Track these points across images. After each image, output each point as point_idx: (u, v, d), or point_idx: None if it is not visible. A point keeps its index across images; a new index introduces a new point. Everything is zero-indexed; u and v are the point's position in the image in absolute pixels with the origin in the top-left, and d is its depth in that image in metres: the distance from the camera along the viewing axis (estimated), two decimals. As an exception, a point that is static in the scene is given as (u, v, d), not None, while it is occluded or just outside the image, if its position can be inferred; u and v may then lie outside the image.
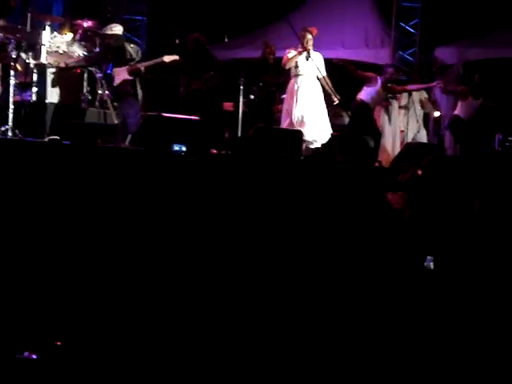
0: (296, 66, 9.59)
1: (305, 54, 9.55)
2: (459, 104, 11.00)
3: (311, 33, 9.60)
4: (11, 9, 7.07)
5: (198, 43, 9.84)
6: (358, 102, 10.37)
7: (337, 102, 9.76)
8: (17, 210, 6.22)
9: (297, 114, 9.55)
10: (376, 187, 6.96)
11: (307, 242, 6.40)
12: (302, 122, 9.52)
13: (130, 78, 9.52)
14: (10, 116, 8.45)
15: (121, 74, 9.49)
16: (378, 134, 10.18)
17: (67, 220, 6.27)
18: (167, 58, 9.60)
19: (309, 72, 9.64)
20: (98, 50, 10.03)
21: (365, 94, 10.43)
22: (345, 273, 5.99)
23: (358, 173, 6.95)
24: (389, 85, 10.54)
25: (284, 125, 9.67)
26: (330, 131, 9.67)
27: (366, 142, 8.65)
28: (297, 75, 9.65)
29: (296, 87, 9.63)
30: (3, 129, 8.41)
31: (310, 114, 9.55)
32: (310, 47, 9.53)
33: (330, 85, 9.68)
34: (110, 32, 9.74)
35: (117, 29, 9.83)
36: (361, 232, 6.39)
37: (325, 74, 9.73)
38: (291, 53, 9.63)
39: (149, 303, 5.46)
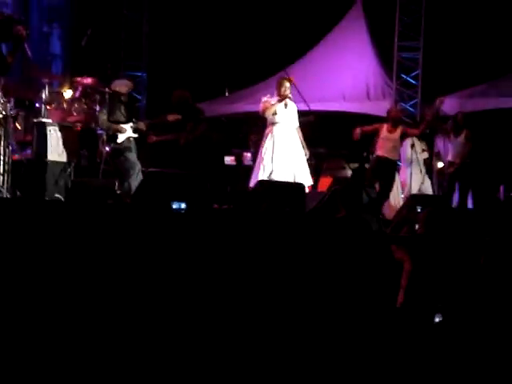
0: (274, 114, 9.49)
1: (283, 102, 9.48)
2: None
3: (289, 81, 9.58)
4: (8, 66, 7.05)
5: (180, 98, 10.02)
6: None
7: (307, 155, 9.66)
8: (18, 269, 6.16)
9: (274, 161, 9.42)
10: (380, 240, 6.88)
11: (313, 297, 6.30)
12: (278, 171, 9.38)
13: (135, 135, 9.49)
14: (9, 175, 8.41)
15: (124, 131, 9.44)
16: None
17: (68, 278, 6.21)
18: (171, 117, 9.69)
19: (286, 120, 9.55)
20: (97, 107, 10.04)
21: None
22: (349, 330, 5.89)
23: (362, 226, 6.84)
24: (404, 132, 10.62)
25: (257, 172, 9.51)
26: (310, 181, 9.54)
27: (370, 195, 8.57)
28: (274, 123, 9.53)
29: (272, 135, 9.50)
30: (2, 189, 8.34)
31: (286, 163, 9.43)
32: (290, 95, 9.49)
33: (302, 137, 9.61)
34: (117, 89, 9.68)
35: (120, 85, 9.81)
36: (365, 285, 6.28)
37: (297, 125, 9.64)
38: (269, 101, 9.53)
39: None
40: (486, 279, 6.45)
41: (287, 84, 9.53)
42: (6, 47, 7.21)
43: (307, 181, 9.51)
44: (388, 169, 10.54)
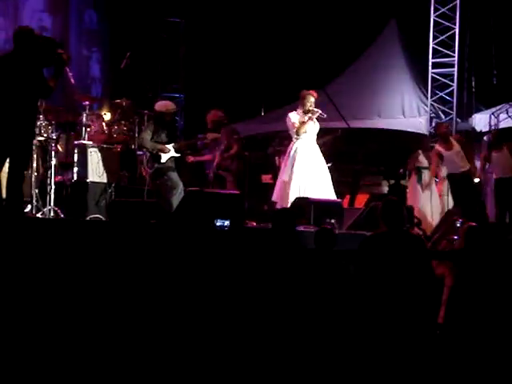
0: (305, 132, 9.52)
1: (313, 117, 9.50)
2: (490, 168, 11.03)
3: (313, 95, 9.58)
4: (51, 90, 7.18)
5: (214, 117, 10.17)
6: None
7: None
8: (62, 286, 6.27)
9: (302, 176, 9.42)
10: (420, 256, 6.85)
11: (358, 311, 6.32)
12: (306, 186, 9.39)
13: (177, 155, 9.60)
14: (52, 196, 8.56)
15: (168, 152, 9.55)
16: None
17: (110, 295, 6.30)
18: (210, 136, 9.81)
19: (311, 135, 9.57)
20: (136, 128, 10.19)
21: None
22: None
23: (404, 242, 6.84)
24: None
25: (281, 186, 9.52)
26: (334, 195, 9.54)
27: (410, 211, 8.58)
28: (298, 139, 9.53)
29: (298, 150, 9.51)
30: (45, 210, 8.49)
31: (313, 178, 9.44)
32: (315, 109, 9.50)
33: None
34: (163, 110, 9.79)
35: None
36: (408, 301, 6.28)
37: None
38: (300, 117, 9.55)
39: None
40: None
41: (312, 99, 9.55)
42: (48, 71, 7.34)
43: (332, 195, 9.50)
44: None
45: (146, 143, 9.55)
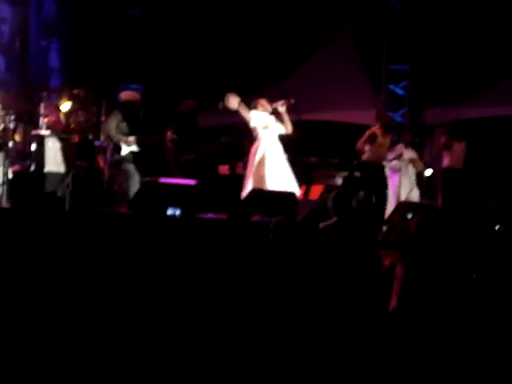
0: (266, 127, 9.67)
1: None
2: (444, 156, 11.33)
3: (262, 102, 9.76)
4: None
5: (190, 108, 10.25)
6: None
7: None
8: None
9: (266, 171, 9.60)
10: (370, 246, 7.05)
11: (306, 305, 6.47)
12: (269, 181, 9.56)
13: (137, 149, 9.66)
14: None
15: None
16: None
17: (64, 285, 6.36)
18: (170, 137, 9.98)
19: (274, 132, 9.74)
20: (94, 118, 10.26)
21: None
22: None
23: (351, 232, 7.05)
24: None
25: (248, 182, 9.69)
26: (298, 190, 9.72)
27: (359, 202, 8.78)
28: (263, 135, 9.63)
29: (263, 146, 9.68)
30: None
31: (276, 173, 9.62)
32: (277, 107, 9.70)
33: None
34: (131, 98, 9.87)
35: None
36: (356, 290, 6.46)
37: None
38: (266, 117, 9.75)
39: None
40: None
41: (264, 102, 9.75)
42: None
43: (296, 190, 9.69)
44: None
45: (111, 133, 9.60)
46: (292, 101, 9.56)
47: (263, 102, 9.68)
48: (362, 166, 10.86)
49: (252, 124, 9.53)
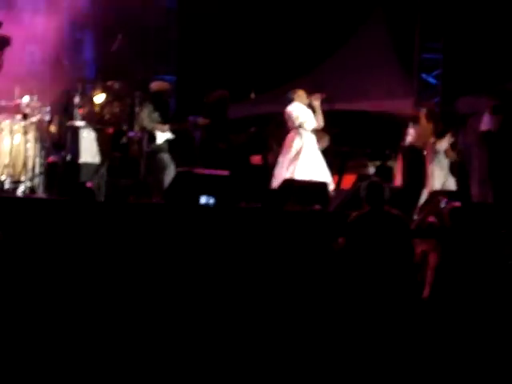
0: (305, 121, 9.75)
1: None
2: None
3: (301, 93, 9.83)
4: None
5: (221, 97, 10.24)
6: None
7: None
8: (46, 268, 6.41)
9: (300, 162, 9.65)
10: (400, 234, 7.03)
11: (338, 293, 6.51)
12: (303, 172, 9.62)
13: (172, 137, 9.73)
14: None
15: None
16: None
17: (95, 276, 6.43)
18: (201, 121, 9.99)
19: (310, 124, 9.80)
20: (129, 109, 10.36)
21: None
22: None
23: (385, 222, 7.04)
24: None
25: (280, 173, 9.75)
26: (331, 181, 9.76)
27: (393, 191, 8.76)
28: (300, 127, 9.74)
29: (299, 138, 9.75)
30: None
31: (311, 164, 9.68)
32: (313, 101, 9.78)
33: None
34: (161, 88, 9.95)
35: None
36: (390, 279, 6.48)
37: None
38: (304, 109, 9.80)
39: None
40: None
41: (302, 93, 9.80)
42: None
43: (329, 180, 9.74)
44: None
45: (145, 122, 9.69)
46: (325, 95, 9.64)
47: (301, 92, 9.75)
48: (403, 149, 10.78)
49: (295, 114, 9.58)
